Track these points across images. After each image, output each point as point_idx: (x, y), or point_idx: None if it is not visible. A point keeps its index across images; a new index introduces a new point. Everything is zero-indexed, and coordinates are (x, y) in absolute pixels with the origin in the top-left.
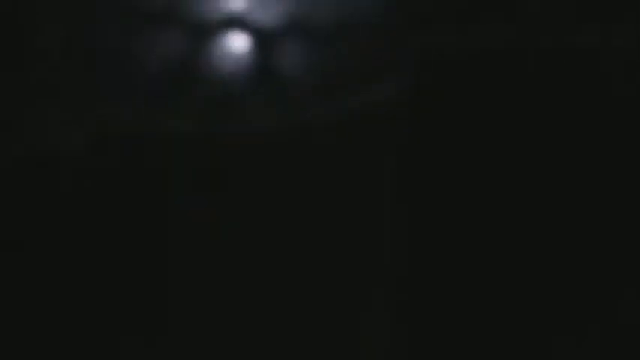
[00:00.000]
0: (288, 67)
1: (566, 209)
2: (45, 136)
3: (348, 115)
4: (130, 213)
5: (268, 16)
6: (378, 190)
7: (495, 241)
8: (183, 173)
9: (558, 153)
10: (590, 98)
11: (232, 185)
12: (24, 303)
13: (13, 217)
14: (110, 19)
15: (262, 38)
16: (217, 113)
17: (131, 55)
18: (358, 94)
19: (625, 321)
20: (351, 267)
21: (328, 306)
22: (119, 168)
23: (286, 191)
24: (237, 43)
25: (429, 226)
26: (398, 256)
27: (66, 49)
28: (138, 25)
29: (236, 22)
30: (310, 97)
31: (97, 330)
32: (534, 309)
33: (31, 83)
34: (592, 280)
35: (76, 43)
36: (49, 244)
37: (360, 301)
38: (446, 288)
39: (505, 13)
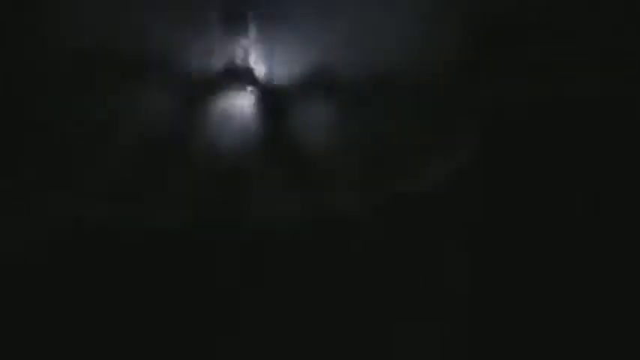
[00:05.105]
0: (310, 135)
1: None
2: None
3: (395, 203)
4: None
5: (282, 68)
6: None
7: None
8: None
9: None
10: None
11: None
12: None
13: None
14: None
15: (274, 96)
16: (214, 205)
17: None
18: (409, 175)
19: None
20: None
21: None
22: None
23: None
24: (241, 101)
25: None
26: None
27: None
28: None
29: (241, 76)
30: (344, 180)
31: None
32: None
33: None
34: None
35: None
36: None
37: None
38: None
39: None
